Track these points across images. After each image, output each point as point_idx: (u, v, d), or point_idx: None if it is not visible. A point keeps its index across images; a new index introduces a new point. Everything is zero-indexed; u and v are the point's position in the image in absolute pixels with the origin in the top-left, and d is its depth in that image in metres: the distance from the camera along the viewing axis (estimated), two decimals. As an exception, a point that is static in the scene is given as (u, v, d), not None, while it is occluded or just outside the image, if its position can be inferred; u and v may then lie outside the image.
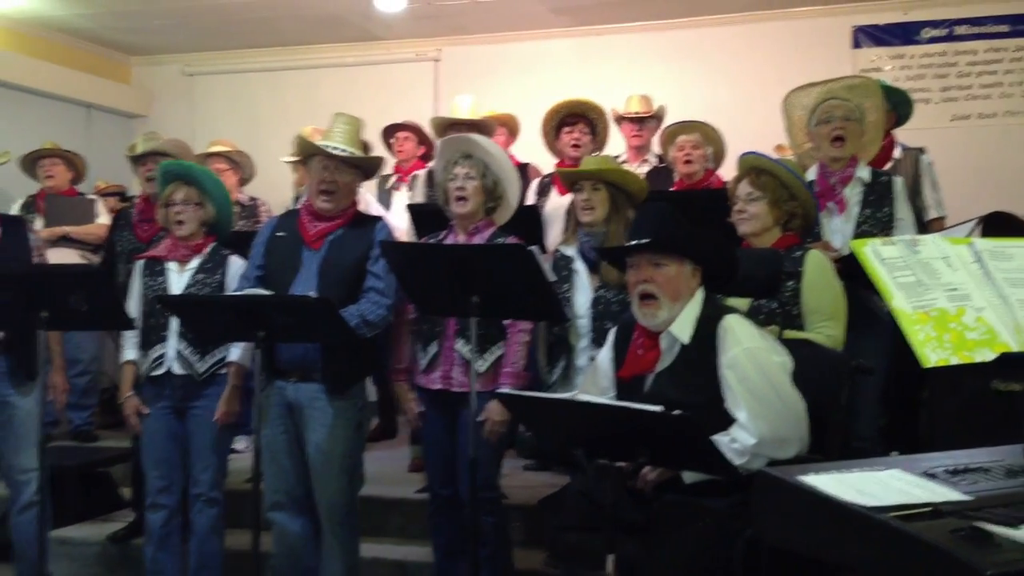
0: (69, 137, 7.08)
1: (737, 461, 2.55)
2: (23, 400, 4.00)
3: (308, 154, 3.67)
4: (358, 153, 3.66)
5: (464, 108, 5.40)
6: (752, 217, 3.41)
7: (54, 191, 6.03)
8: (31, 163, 6.08)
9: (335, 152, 3.57)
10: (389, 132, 5.94)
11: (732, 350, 2.71)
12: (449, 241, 3.62)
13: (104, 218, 6.06)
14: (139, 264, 3.97)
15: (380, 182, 5.87)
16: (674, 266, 2.82)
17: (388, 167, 5.85)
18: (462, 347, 3.49)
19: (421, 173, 5.50)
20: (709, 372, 2.74)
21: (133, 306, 3.90)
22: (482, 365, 3.49)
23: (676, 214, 2.89)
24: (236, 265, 3.91)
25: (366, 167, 3.74)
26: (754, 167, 3.48)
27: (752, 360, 2.69)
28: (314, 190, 3.61)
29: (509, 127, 5.60)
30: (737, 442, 2.62)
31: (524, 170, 5.38)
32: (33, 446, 3.99)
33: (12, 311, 3.50)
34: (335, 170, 3.58)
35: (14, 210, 5.95)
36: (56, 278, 3.58)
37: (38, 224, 5.85)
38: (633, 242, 2.87)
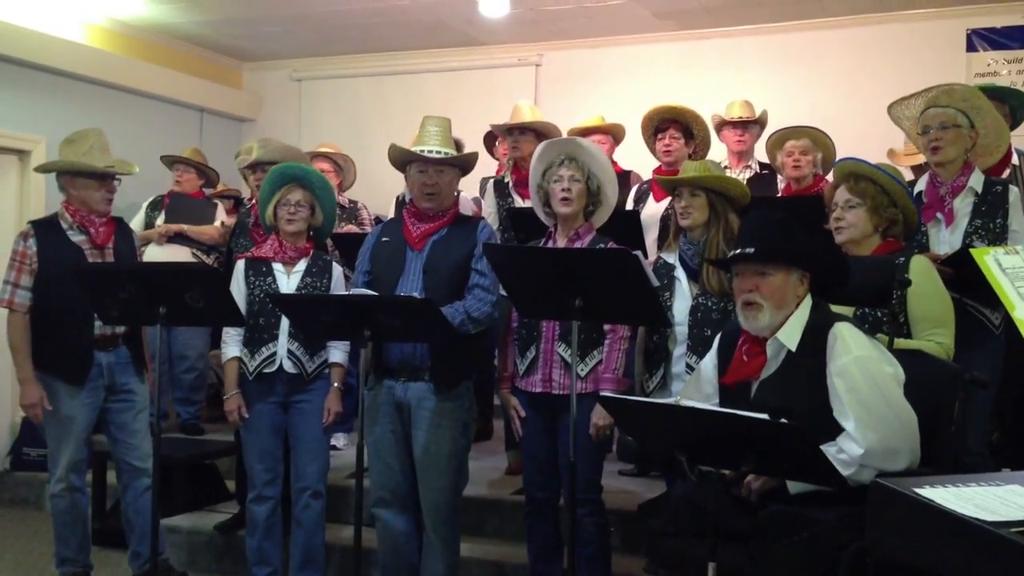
0: (183, 140, 7.35)
1: (844, 472, 2.50)
2: (142, 388, 4.22)
3: (406, 161, 3.74)
4: (453, 153, 3.71)
5: (525, 111, 5.43)
6: (850, 225, 3.33)
7: (178, 193, 6.38)
8: (170, 163, 6.49)
9: (430, 155, 3.63)
10: (492, 137, 5.98)
11: (842, 358, 2.66)
12: (551, 246, 3.64)
13: (222, 218, 6.30)
14: (240, 264, 4.06)
15: (482, 184, 5.91)
16: (780, 275, 2.79)
17: (490, 169, 5.91)
18: (564, 351, 3.52)
19: (489, 182, 5.53)
20: (816, 380, 2.70)
21: (241, 305, 4.00)
22: (583, 369, 3.53)
23: (784, 221, 2.85)
24: (339, 271, 4.11)
25: (463, 165, 3.79)
26: (852, 173, 3.40)
27: (862, 369, 2.64)
28: (417, 193, 3.69)
29: (613, 134, 5.58)
30: (844, 452, 2.58)
31: (627, 177, 5.36)
32: (147, 435, 4.19)
33: (134, 305, 3.64)
34: (433, 173, 3.65)
35: (143, 207, 6.32)
36: (174, 275, 3.71)
37: (159, 220, 6.15)
38: (737, 251, 2.84)
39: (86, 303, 3.87)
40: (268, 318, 3.94)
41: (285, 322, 3.91)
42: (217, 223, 6.24)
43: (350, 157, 6.16)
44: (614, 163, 5.53)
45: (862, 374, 2.63)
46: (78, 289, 3.76)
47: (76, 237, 4.12)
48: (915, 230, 3.53)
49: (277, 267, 4.02)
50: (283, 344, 3.93)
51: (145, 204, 6.34)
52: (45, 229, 4.13)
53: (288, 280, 4.00)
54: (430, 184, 3.65)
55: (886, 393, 2.63)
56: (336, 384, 4.01)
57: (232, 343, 4.03)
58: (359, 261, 3.81)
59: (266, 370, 3.94)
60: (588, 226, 3.64)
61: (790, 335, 2.77)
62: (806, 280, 2.83)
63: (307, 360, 3.94)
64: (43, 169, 4.29)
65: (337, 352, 4.01)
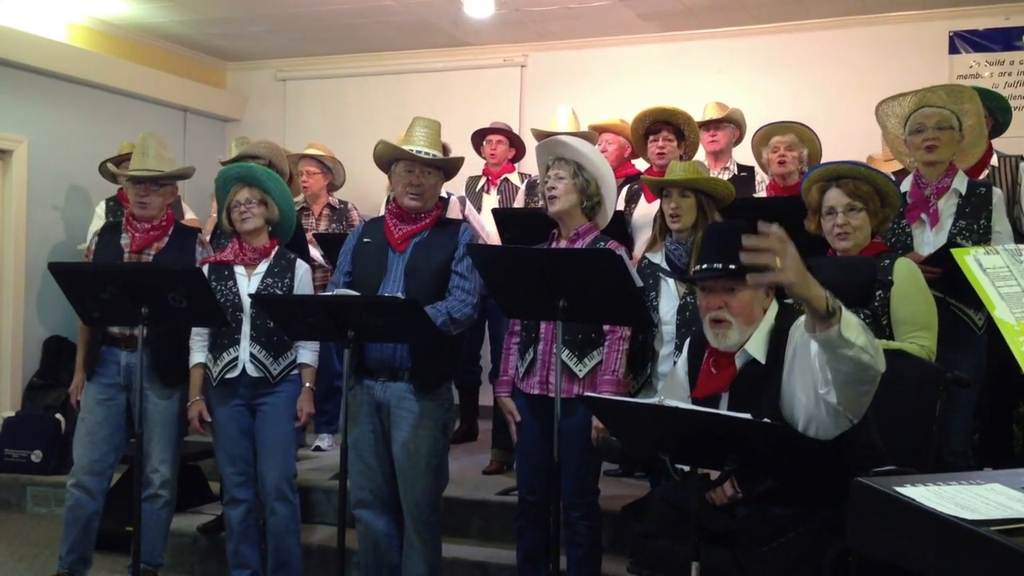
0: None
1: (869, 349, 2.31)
2: (156, 398, 4.10)
3: (393, 159, 3.73)
4: (440, 155, 3.72)
5: (562, 121, 5.43)
6: (855, 230, 3.29)
7: None
8: (118, 162, 6.29)
9: (420, 155, 3.63)
10: (480, 136, 5.99)
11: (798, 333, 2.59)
12: (553, 247, 3.62)
13: (191, 214, 6.24)
14: (204, 269, 4.02)
15: (469, 184, 5.93)
16: (748, 291, 2.71)
17: (477, 169, 5.90)
18: (563, 352, 3.50)
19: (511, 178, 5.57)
20: (779, 381, 2.66)
21: None
22: (582, 370, 3.52)
23: (748, 233, 2.81)
24: (303, 269, 4.06)
25: (448, 168, 3.80)
26: (846, 175, 3.36)
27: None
28: (401, 192, 3.69)
29: (628, 137, 5.55)
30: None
31: (639, 180, 5.33)
32: (164, 443, 4.12)
33: (116, 306, 3.61)
34: (420, 173, 3.65)
35: (99, 210, 6.14)
36: (156, 275, 3.70)
37: None
38: (703, 268, 2.76)
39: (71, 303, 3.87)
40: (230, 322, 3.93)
41: (247, 326, 3.91)
42: (188, 215, 6.18)
43: (338, 160, 6.14)
44: (631, 165, 5.54)
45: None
46: None
47: (124, 240, 4.19)
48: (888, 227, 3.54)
49: (238, 270, 4.00)
50: (245, 348, 3.92)
51: (100, 208, 6.14)
52: (109, 229, 4.30)
53: (249, 282, 3.98)
54: (415, 184, 3.65)
55: None
56: (308, 385, 3.97)
57: (197, 349, 4.02)
58: (340, 261, 3.81)
59: (228, 375, 3.93)
60: (590, 225, 3.61)
61: (758, 346, 2.71)
62: (772, 291, 2.77)
63: (271, 363, 3.93)
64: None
65: (306, 353, 3.98)
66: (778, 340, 2.70)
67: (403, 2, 6.78)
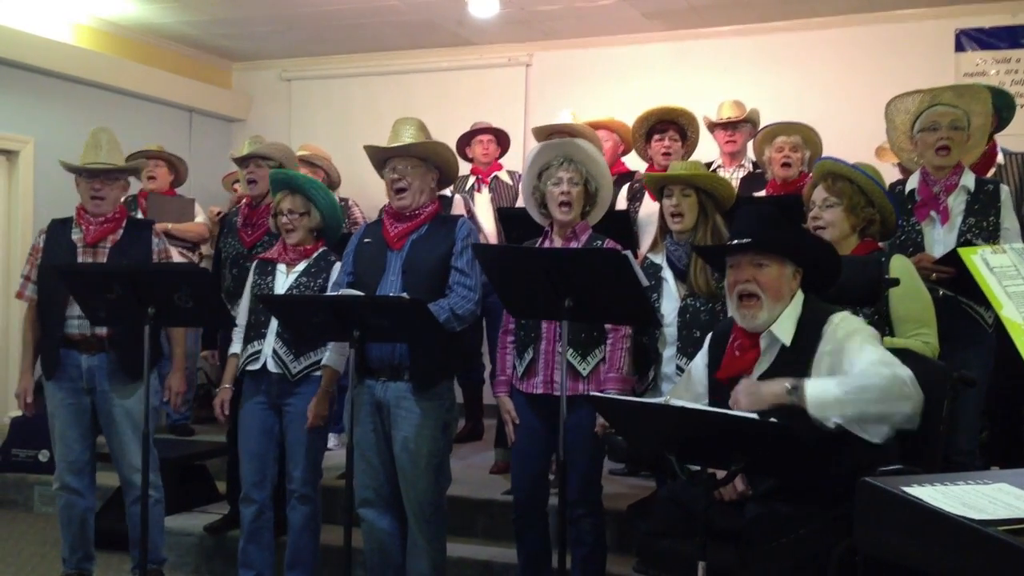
0: (172, 140, 7.31)
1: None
2: (122, 399, 4.11)
3: (377, 161, 3.77)
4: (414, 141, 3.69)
5: (566, 119, 5.43)
6: (828, 224, 3.33)
7: (155, 192, 6.24)
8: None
9: (391, 147, 3.66)
10: (466, 139, 5.97)
11: (834, 337, 2.69)
12: (547, 247, 3.63)
13: (202, 217, 6.25)
14: (254, 264, 4.13)
15: (459, 184, 5.91)
16: (776, 267, 2.78)
17: (464, 169, 5.89)
18: (566, 351, 3.50)
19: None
20: (808, 372, 2.69)
21: (244, 303, 4.07)
22: (585, 368, 3.52)
23: (777, 215, 2.85)
24: (338, 270, 4.03)
25: (436, 160, 3.75)
26: (830, 173, 3.40)
27: (850, 322, 2.74)
28: (389, 191, 3.72)
29: (622, 135, 5.54)
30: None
31: (631, 178, 5.33)
32: (138, 442, 4.09)
33: (122, 306, 3.62)
34: (402, 169, 3.67)
35: None
36: (162, 275, 3.70)
37: None
38: (735, 241, 2.83)
39: (63, 302, 3.90)
40: (259, 316, 3.96)
41: (274, 322, 3.90)
42: (199, 219, 6.19)
43: (326, 156, 6.12)
44: (622, 163, 5.54)
45: (854, 322, 2.73)
46: (56, 285, 3.82)
47: (76, 235, 4.16)
48: (893, 230, 3.54)
49: (280, 267, 4.04)
50: (270, 343, 3.92)
51: None
52: (57, 226, 4.23)
53: (286, 279, 4.00)
54: (398, 180, 3.66)
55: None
56: (324, 387, 3.94)
57: (236, 339, 4.08)
58: (343, 262, 3.83)
59: (250, 367, 3.94)
60: (584, 224, 3.63)
61: (784, 329, 2.76)
62: (799, 275, 2.82)
63: (291, 361, 3.91)
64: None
65: (328, 354, 3.95)
66: (806, 328, 2.75)
67: (408, 2, 6.78)
